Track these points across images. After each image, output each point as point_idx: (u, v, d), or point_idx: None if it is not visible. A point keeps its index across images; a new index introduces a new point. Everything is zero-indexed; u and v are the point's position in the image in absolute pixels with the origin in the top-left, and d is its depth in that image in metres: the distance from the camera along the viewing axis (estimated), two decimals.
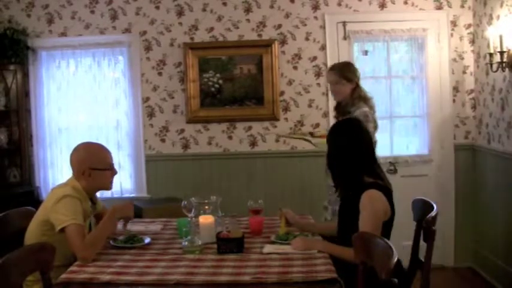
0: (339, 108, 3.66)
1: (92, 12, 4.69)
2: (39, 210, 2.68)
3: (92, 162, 2.70)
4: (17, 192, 4.52)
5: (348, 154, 2.64)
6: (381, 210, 2.55)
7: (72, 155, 2.77)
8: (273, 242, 2.65)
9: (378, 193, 2.57)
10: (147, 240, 2.73)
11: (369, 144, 2.74)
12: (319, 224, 3.13)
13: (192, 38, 4.69)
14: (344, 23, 4.63)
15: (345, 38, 4.65)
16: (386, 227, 2.59)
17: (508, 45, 3.82)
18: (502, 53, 3.83)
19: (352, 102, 3.53)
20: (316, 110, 4.71)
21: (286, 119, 4.71)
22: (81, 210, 2.59)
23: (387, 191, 2.62)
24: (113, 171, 2.79)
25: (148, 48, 4.70)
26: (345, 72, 3.59)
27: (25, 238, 2.66)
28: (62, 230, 2.50)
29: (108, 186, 2.80)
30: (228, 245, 2.53)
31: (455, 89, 4.70)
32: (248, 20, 4.68)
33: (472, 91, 4.70)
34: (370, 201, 2.54)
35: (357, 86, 3.57)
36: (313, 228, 2.93)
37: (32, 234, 2.62)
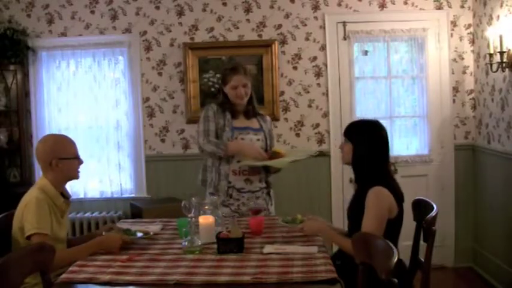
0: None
1: (92, 12, 4.69)
2: (14, 218, 2.65)
3: (59, 152, 2.69)
4: (17, 192, 4.44)
5: (376, 149, 2.68)
6: (385, 208, 2.55)
7: (38, 147, 2.75)
8: (276, 241, 2.67)
9: (384, 190, 2.58)
10: (139, 234, 2.76)
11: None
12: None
13: (192, 38, 4.69)
14: (344, 23, 4.63)
15: (344, 38, 4.65)
16: (393, 226, 2.59)
17: (508, 45, 3.82)
18: (502, 53, 3.83)
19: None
20: (316, 110, 4.71)
21: (286, 119, 4.71)
22: (46, 214, 2.56)
23: (395, 190, 2.62)
24: (79, 161, 2.77)
25: (148, 49, 4.70)
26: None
27: (12, 245, 2.63)
28: (29, 237, 2.50)
29: (76, 175, 2.78)
30: (228, 245, 2.52)
31: (455, 89, 4.70)
32: (248, 20, 4.68)
33: (472, 91, 4.70)
34: (376, 197, 2.56)
35: None
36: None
37: (17, 241, 2.60)
